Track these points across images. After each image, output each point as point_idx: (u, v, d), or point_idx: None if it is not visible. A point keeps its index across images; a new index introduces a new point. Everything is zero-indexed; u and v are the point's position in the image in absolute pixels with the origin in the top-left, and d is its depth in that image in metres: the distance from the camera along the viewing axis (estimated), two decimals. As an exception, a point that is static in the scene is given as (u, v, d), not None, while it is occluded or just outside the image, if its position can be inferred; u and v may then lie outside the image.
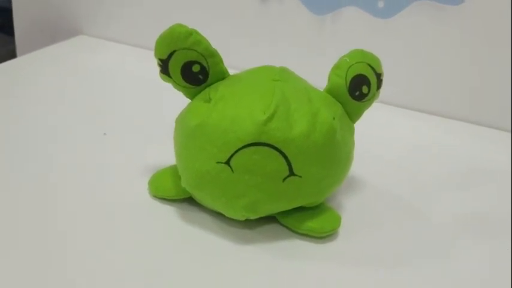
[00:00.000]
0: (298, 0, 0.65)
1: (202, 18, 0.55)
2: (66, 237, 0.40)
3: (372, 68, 0.41)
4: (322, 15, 0.65)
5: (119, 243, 0.40)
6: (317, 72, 0.45)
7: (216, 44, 0.41)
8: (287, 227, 0.42)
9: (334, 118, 0.40)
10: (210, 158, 0.39)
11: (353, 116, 0.43)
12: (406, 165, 0.53)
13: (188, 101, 0.43)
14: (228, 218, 0.41)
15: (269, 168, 0.38)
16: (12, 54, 0.83)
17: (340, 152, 0.41)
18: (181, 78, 0.41)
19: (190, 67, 0.41)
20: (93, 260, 0.38)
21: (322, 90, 0.42)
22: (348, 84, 0.41)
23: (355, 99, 0.42)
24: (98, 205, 0.43)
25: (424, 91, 0.64)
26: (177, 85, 0.42)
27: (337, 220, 0.42)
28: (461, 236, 0.43)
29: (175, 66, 0.41)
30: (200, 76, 0.41)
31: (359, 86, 0.41)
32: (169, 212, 0.43)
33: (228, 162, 0.38)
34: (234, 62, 0.46)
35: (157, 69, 0.42)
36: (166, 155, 0.45)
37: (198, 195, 0.42)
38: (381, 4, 0.62)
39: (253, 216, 0.40)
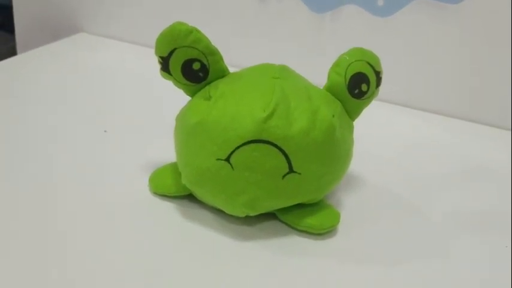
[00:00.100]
0: (298, -2, 0.65)
1: (202, 17, 0.55)
2: (66, 236, 0.40)
3: (371, 66, 0.42)
4: (322, 13, 0.65)
5: (119, 240, 0.40)
6: (316, 70, 0.45)
7: (215, 41, 0.41)
8: (286, 224, 0.42)
9: (333, 116, 0.40)
10: (210, 155, 0.39)
11: (352, 113, 0.43)
12: (406, 163, 0.53)
13: (188, 98, 0.43)
14: (228, 214, 0.41)
15: (269, 165, 0.38)
16: (12, 52, 0.83)
17: (340, 150, 0.41)
18: (182, 76, 0.42)
19: (191, 65, 0.41)
20: (94, 259, 0.38)
21: (321, 88, 0.43)
22: (347, 82, 0.41)
23: (355, 97, 0.42)
24: (99, 202, 0.44)
25: (423, 89, 0.64)
26: (177, 83, 0.42)
27: (336, 217, 0.42)
28: (461, 234, 0.43)
29: (175, 64, 0.41)
30: (200, 74, 0.42)
31: (358, 84, 0.41)
32: (169, 209, 0.43)
33: (228, 160, 0.38)
34: (234, 60, 0.47)
35: (158, 67, 0.42)
36: (166, 152, 0.45)
37: (198, 192, 0.42)
38: (380, 2, 0.62)
39: (253, 213, 0.40)
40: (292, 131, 0.38)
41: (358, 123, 0.44)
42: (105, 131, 0.54)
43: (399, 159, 0.53)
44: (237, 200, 0.39)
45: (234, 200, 0.40)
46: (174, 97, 0.43)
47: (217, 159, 0.39)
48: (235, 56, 0.49)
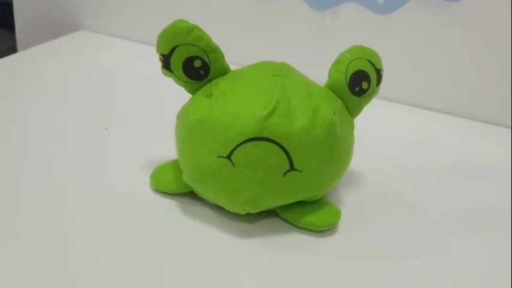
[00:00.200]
0: (298, -4, 0.65)
1: (202, 15, 0.56)
2: (66, 236, 0.40)
3: (372, 64, 0.42)
4: (322, 11, 0.65)
5: (120, 237, 0.40)
6: (317, 68, 0.45)
7: (215, 39, 0.41)
8: (287, 221, 0.42)
9: (334, 113, 0.40)
10: (211, 153, 0.39)
11: (353, 111, 0.43)
12: (406, 160, 0.53)
13: (189, 96, 0.43)
14: (228, 212, 0.41)
15: (270, 162, 0.39)
16: (12, 50, 0.83)
17: (340, 147, 0.41)
18: (183, 74, 0.42)
19: (192, 62, 0.41)
20: (94, 257, 0.38)
21: (322, 85, 0.43)
22: (348, 80, 0.41)
23: (355, 95, 0.42)
24: (99, 200, 0.44)
25: (423, 87, 0.64)
26: (178, 80, 0.42)
27: (336, 214, 0.42)
28: (461, 232, 0.44)
29: (177, 61, 0.41)
30: (202, 71, 0.42)
31: (359, 81, 0.41)
32: (170, 206, 0.43)
33: (229, 157, 0.39)
34: (234, 58, 0.47)
35: (159, 64, 0.42)
36: (167, 150, 0.45)
37: (199, 190, 0.42)
38: (380, 0, 0.62)
39: (253, 210, 0.41)
40: (293, 128, 0.38)
41: (358, 121, 0.44)
42: (106, 129, 0.54)
43: (399, 157, 0.54)
44: (238, 198, 0.40)
45: (234, 198, 0.40)
46: (174, 95, 0.43)
47: (219, 156, 0.39)
48: (236, 54, 0.49)
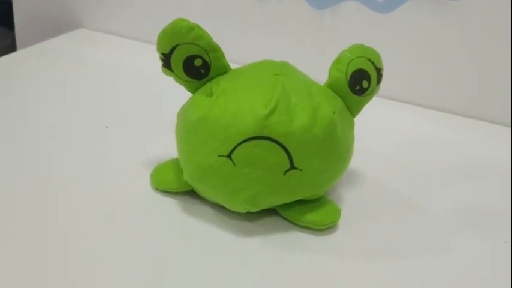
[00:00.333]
0: (298, -6, 0.65)
1: (201, 13, 0.56)
2: (66, 233, 0.40)
3: (372, 63, 0.42)
4: (322, 10, 0.65)
5: (120, 236, 0.40)
6: (316, 66, 0.45)
7: (215, 38, 0.41)
8: (287, 220, 0.42)
9: (334, 112, 0.40)
10: (212, 152, 0.39)
11: (353, 110, 0.43)
12: (406, 159, 0.53)
13: (190, 95, 0.43)
14: (229, 210, 0.41)
15: (270, 161, 0.39)
16: (11, 47, 0.83)
17: (341, 146, 0.41)
18: (183, 73, 0.42)
19: (192, 61, 0.41)
20: (94, 256, 0.38)
21: (322, 84, 0.43)
22: (348, 79, 0.41)
23: (355, 94, 0.42)
24: (100, 199, 0.44)
25: (424, 86, 0.64)
26: (179, 79, 0.42)
27: (336, 213, 0.42)
28: (461, 231, 0.44)
29: (177, 60, 0.41)
30: (202, 70, 0.42)
31: (359, 80, 0.41)
32: (171, 205, 0.43)
33: (229, 156, 0.39)
34: (234, 56, 0.47)
35: (160, 63, 0.42)
36: (168, 148, 0.45)
37: (199, 188, 0.42)
38: (380, -1, 0.62)
39: (254, 209, 0.41)
40: (294, 127, 0.39)
41: (358, 119, 0.44)
42: (106, 127, 0.54)
43: (400, 155, 0.54)
44: (239, 196, 0.40)
45: (235, 196, 0.40)
46: (174, 93, 0.43)
47: (219, 155, 0.39)
48: (236, 53, 0.49)
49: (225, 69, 0.42)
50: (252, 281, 0.37)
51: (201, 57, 0.41)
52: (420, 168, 0.52)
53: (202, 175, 0.40)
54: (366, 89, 0.42)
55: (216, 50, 0.41)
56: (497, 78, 0.61)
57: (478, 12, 0.59)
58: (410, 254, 0.41)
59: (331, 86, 0.42)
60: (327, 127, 0.40)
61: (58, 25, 0.79)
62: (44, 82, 0.63)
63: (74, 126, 0.54)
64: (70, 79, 0.65)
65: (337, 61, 0.42)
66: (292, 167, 0.39)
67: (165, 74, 0.43)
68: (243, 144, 0.38)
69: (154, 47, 0.42)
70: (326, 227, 0.42)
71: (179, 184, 0.43)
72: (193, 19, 0.41)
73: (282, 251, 0.40)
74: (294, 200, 0.41)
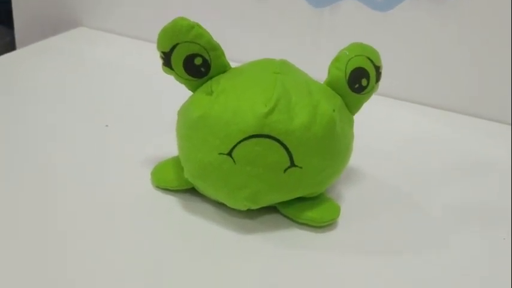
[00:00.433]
0: (297, -7, 0.65)
1: (201, 12, 0.56)
2: (66, 232, 0.40)
3: (371, 61, 0.42)
4: (321, 8, 0.65)
5: (121, 234, 0.40)
6: (315, 64, 0.45)
7: (216, 37, 0.41)
8: (287, 217, 0.43)
9: (334, 110, 0.41)
10: (212, 150, 0.39)
11: (352, 108, 0.43)
12: (405, 157, 0.53)
13: (190, 93, 0.43)
14: (229, 208, 0.42)
15: (270, 159, 0.39)
16: (10, 45, 0.83)
17: (340, 144, 0.42)
18: (184, 71, 0.42)
19: (193, 60, 0.41)
20: (94, 256, 0.38)
21: (322, 82, 0.43)
22: (347, 77, 0.42)
23: (355, 92, 0.42)
24: (100, 198, 0.44)
25: (423, 84, 0.64)
26: (179, 78, 0.42)
27: (336, 210, 0.43)
28: (460, 228, 0.44)
29: (177, 59, 0.41)
30: (202, 69, 0.42)
31: (358, 78, 0.42)
32: (171, 203, 0.44)
33: (230, 154, 0.39)
34: (234, 55, 0.47)
35: (160, 62, 0.42)
36: (168, 146, 0.45)
37: (200, 186, 0.42)
38: (379, -3, 0.62)
39: (254, 207, 0.41)
40: (293, 125, 0.39)
41: (358, 117, 0.44)
42: (106, 126, 0.54)
43: (399, 153, 0.54)
44: (239, 194, 0.40)
45: (235, 194, 0.40)
46: (174, 92, 0.43)
47: (220, 153, 0.39)
48: (236, 51, 0.49)
49: (225, 68, 0.43)
50: (253, 277, 0.38)
51: (201, 55, 0.41)
52: (420, 166, 0.52)
53: (203, 173, 0.40)
54: (365, 87, 0.42)
55: (216, 48, 0.41)
56: (496, 76, 0.61)
57: (476, 10, 0.59)
58: (409, 251, 0.41)
59: (331, 84, 0.42)
60: (326, 125, 0.40)
61: (57, 24, 0.79)
62: (43, 81, 0.63)
63: (74, 125, 0.54)
64: (70, 78, 0.65)
65: (337, 59, 0.42)
66: (292, 164, 0.39)
67: (166, 73, 0.43)
68: (243, 142, 0.38)
69: (154, 45, 0.42)
70: (326, 224, 0.42)
71: (180, 182, 0.43)
72: (193, 18, 0.41)
73: (282, 248, 0.40)
74: (294, 197, 0.42)
